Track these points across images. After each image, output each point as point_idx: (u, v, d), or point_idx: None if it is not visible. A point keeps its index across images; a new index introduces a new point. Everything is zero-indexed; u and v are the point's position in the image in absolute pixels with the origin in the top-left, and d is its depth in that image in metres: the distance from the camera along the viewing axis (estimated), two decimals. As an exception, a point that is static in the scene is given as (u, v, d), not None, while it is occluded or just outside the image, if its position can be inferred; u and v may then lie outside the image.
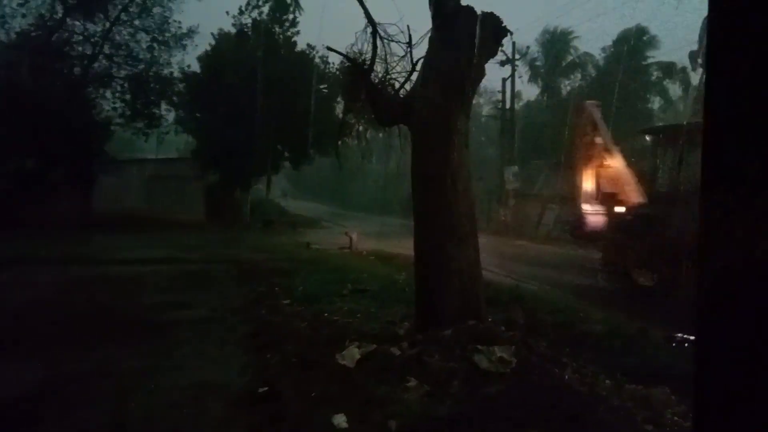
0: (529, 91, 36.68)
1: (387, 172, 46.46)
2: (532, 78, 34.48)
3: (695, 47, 27.69)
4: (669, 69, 29.76)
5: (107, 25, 22.96)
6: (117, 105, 23.94)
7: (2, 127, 19.66)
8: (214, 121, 24.45)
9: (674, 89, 31.46)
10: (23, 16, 22.01)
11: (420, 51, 6.46)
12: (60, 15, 22.25)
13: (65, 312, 8.08)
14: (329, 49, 6.48)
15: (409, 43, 6.38)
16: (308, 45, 27.16)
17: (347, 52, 6.23)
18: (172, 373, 5.42)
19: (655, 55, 29.55)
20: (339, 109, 24.12)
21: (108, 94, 23.99)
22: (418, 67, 6.48)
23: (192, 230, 21.26)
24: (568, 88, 32.41)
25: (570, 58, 32.58)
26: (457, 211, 6.34)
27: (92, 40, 23.08)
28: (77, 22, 22.80)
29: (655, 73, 30.27)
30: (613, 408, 4.46)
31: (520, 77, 33.52)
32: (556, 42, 32.60)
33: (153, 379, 5.20)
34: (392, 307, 8.29)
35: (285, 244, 18.67)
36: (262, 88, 23.94)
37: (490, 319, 6.83)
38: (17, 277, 10.85)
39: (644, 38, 29.05)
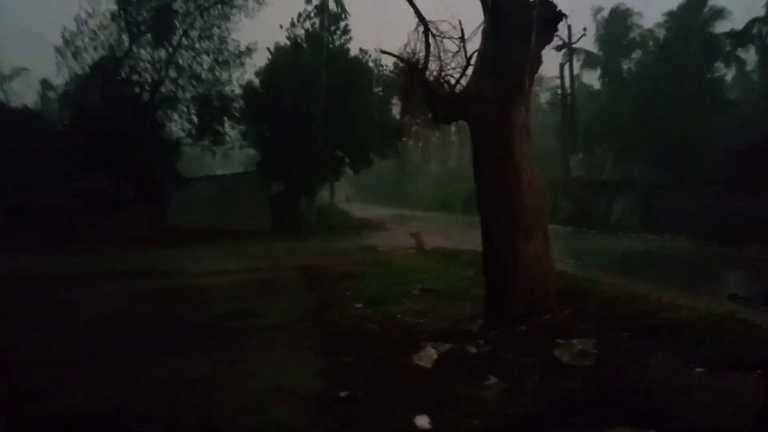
0: (589, 76, 35.26)
1: (447, 170, 46.23)
2: (589, 62, 33.27)
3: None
4: (744, 36, 27.59)
5: (171, 50, 24.08)
6: (184, 125, 25.10)
7: (79, 149, 21.00)
8: (276, 133, 25.12)
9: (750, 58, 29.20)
10: (95, 48, 23.49)
11: (474, 45, 6.39)
12: (127, 45, 23.53)
13: (142, 323, 8.45)
14: (383, 52, 6.53)
15: (462, 39, 6.32)
16: (360, 50, 27.45)
17: (401, 53, 6.24)
18: (248, 378, 5.53)
19: (723, 25, 27.67)
20: (396, 110, 24.21)
21: (175, 115, 25.17)
22: (473, 61, 6.40)
23: (260, 240, 21.85)
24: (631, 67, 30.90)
25: (630, 35, 31.09)
26: (522, 204, 6.22)
27: (157, 65, 24.26)
28: (143, 50, 24.08)
29: (726, 42, 28.21)
30: (698, 401, 4.24)
31: (578, 60, 32.50)
32: (614, 21, 31.25)
33: (230, 386, 5.35)
34: (462, 305, 8.21)
35: (351, 248, 18.87)
36: (319, 96, 24.38)
37: (567, 312, 6.65)
38: (96, 291, 11.37)
39: (705, 8, 27.23)
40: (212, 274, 13.42)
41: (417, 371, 5.33)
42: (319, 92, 24.44)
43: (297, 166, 24.58)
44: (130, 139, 21.30)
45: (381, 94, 26.99)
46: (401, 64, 6.33)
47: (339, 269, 13.02)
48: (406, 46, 6.18)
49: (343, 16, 27.15)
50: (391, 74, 24.24)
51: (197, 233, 22.49)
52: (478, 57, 6.31)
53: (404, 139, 15.02)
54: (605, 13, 31.59)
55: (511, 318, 6.12)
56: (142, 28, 23.47)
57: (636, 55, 30.62)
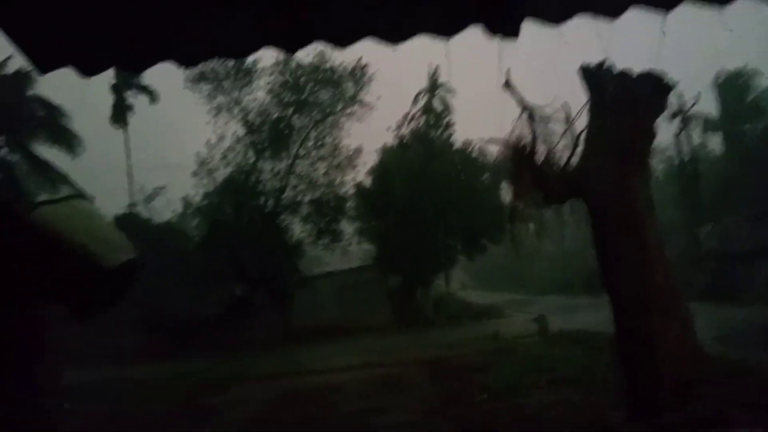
0: (708, 140, 33.22)
1: (563, 250, 44.42)
2: (708, 126, 31.46)
3: None
4: None
5: (290, 161, 26.28)
6: (305, 227, 26.73)
7: (213, 260, 22.94)
8: (390, 227, 25.95)
9: None
10: (225, 167, 26.20)
11: (581, 124, 6.40)
12: (252, 161, 26.03)
13: (279, 425, 8.69)
14: (489, 141, 6.72)
15: (568, 119, 6.36)
16: (464, 142, 28.18)
17: (507, 140, 6.39)
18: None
19: None
20: (505, 194, 24.19)
21: (296, 219, 26.94)
22: (582, 139, 6.38)
23: (380, 333, 22.02)
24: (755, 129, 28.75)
25: (751, 97, 29.24)
26: (654, 282, 5.84)
27: (279, 175, 26.46)
28: (266, 163, 26.47)
29: None
30: None
31: (697, 126, 30.87)
32: (732, 84, 29.68)
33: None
34: (596, 395, 7.62)
35: (472, 337, 18.40)
36: (429, 189, 25.06)
37: (719, 399, 5.95)
38: (236, 396, 11.96)
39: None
40: (339, 371, 13.64)
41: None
42: (428, 185, 25.16)
43: (412, 258, 25.00)
44: (260, 246, 23.04)
45: (488, 180, 27.24)
46: (509, 151, 6.45)
47: (462, 360, 12.71)
48: (511, 132, 6.34)
49: (446, 113, 28.41)
50: (498, 162, 24.51)
51: (321, 331, 23.21)
52: (587, 135, 6.28)
53: (516, 222, 14.84)
54: (721, 76, 30.15)
55: (656, 408, 5.57)
56: (265, 144, 25.93)
57: (759, 117, 28.61)
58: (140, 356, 22.18)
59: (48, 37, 1.61)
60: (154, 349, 20.18)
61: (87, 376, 15.13)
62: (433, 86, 28.76)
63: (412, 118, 28.32)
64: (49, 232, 1.42)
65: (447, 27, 2.24)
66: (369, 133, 28.71)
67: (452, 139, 28.34)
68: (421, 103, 28.72)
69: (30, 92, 24.18)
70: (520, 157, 6.29)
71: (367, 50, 25.52)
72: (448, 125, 28.41)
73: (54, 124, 24.31)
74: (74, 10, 1.60)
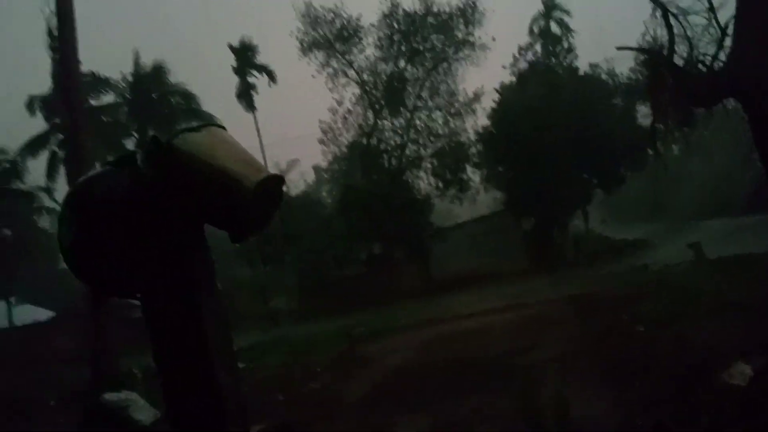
0: None
1: (715, 169, 40.01)
2: None
3: None
4: None
5: (408, 115, 26.28)
6: (430, 180, 26.79)
7: (350, 223, 24.01)
8: (517, 170, 25.11)
9: None
10: (347, 130, 26.94)
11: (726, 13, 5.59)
12: (372, 120, 26.44)
13: (434, 369, 8.95)
14: (619, 48, 6.10)
15: (711, 8, 5.57)
16: (590, 65, 26.20)
17: (639, 45, 5.76)
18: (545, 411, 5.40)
19: None
20: (641, 117, 22.26)
21: (421, 173, 27.08)
22: (729, 30, 5.57)
23: (519, 278, 21.64)
24: None
25: None
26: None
27: (399, 131, 26.64)
28: (385, 121, 26.75)
29: None
30: None
31: None
32: None
33: (528, 419, 5.29)
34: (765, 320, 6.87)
35: (619, 271, 17.48)
36: (556, 123, 23.76)
37: None
38: (388, 344, 12.49)
39: None
40: (482, 315, 13.69)
41: (730, 392, 4.58)
42: (554, 119, 23.85)
43: (544, 198, 24.05)
44: (391, 204, 23.65)
45: (621, 104, 25.14)
46: (643, 57, 5.82)
47: (610, 294, 12.15)
48: (644, 35, 5.68)
49: (566, 36, 26.45)
50: (629, 80, 22.52)
51: (459, 280, 23.36)
52: (736, 24, 5.47)
53: (658, 144, 13.58)
54: None
55: None
56: (381, 101, 26.15)
57: None
58: (297, 317, 24.14)
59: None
60: (316, 307, 22.03)
61: (255, 338, 16.82)
62: (549, 8, 26.89)
63: (528, 49, 26.77)
64: (194, 156, 1.50)
65: None
66: (486, 75, 27.75)
67: (575, 64, 26.44)
68: (537, 29, 27.03)
69: (168, 84, 26.67)
70: (657, 62, 5.65)
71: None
72: (569, 50, 26.48)
73: (192, 111, 26.56)
74: None
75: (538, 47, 26.74)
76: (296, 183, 37.90)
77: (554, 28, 26.81)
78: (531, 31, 27.03)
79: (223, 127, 1.72)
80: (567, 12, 27.21)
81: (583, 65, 26.28)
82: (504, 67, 27.35)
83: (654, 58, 5.61)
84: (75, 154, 12.92)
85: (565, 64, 26.48)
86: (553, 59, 26.41)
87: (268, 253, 25.08)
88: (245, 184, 1.51)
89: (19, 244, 29.56)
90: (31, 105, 25.71)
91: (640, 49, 5.58)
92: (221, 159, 1.53)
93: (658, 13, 5.60)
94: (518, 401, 5.91)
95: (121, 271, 1.64)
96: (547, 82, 24.96)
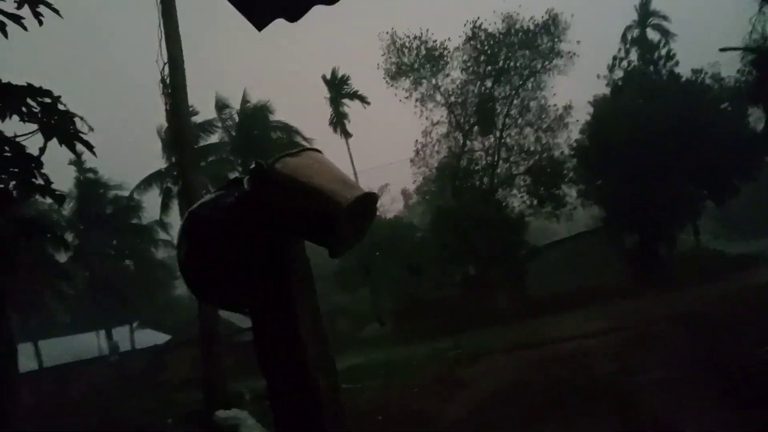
0: None
1: None
2: None
3: None
4: None
5: (497, 133, 26.07)
6: (524, 197, 26.27)
7: (443, 244, 23.97)
8: (617, 184, 23.99)
9: None
10: (437, 152, 27.10)
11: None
12: (461, 140, 26.47)
13: (534, 391, 8.74)
14: (723, 49, 5.75)
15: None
16: (692, 71, 24.69)
17: (745, 44, 5.41)
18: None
19: None
20: (753, 119, 20.62)
21: (514, 191, 26.64)
22: None
23: (620, 296, 20.54)
24: None
25: None
26: None
27: (489, 150, 26.44)
28: (475, 142, 26.71)
29: None
30: None
31: None
32: None
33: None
34: None
35: (732, 290, 16.06)
36: (657, 133, 22.54)
37: None
38: (486, 366, 12.34)
39: None
40: (583, 337, 13.14)
41: None
42: (655, 129, 22.62)
43: (649, 213, 22.75)
44: (484, 224, 23.42)
45: (729, 109, 23.42)
46: (751, 57, 5.46)
47: (723, 314, 11.22)
48: (751, 33, 5.33)
49: (664, 41, 25.16)
50: (737, 83, 20.98)
51: (557, 300, 22.57)
52: None
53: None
54: None
55: None
56: (470, 121, 26.15)
57: None
58: (392, 340, 24.34)
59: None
60: (407, 330, 22.09)
61: (352, 360, 17.16)
62: (644, 17, 25.77)
63: (624, 57, 25.69)
64: (293, 177, 1.67)
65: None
66: (578, 87, 26.95)
67: (676, 71, 25.02)
68: (632, 37, 25.94)
69: (269, 120, 28.30)
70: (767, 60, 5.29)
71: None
72: (669, 57, 25.12)
73: (293, 144, 28.00)
74: None
75: (633, 55, 25.60)
76: (387, 207, 38.55)
77: (651, 34, 25.58)
78: (624, 39, 25.94)
79: (320, 151, 1.89)
80: (664, 17, 25.94)
81: (685, 71, 24.80)
82: (598, 77, 26.47)
83: (763, 56, 5.25)
84: (185, 189, 14.04)
85: (664, 71, 25.13)
86: (651, 67, 25.14)
87: (363, 278, 25.60)
88: (340, 200, 1.66)
89: (139, 273, 32.46)
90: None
91: (747, 49, 5.24)
92: (318, 178, 1.69)
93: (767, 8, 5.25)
94: (625, 426, 5.65)
95: (229, 286, 1.84)
96: (645, 90, 23.76)
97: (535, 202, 25.90)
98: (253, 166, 1.76)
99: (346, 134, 32.48)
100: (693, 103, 22.72)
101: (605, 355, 10.11)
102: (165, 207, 28.81)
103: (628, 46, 25.66)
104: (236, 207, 1.77)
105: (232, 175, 27.46)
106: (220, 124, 27.82)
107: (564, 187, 26.16)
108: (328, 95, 32.44)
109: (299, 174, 1.70)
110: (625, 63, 25.64)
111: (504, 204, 26.37)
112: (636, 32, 26.13)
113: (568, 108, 25.75)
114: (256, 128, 27.66)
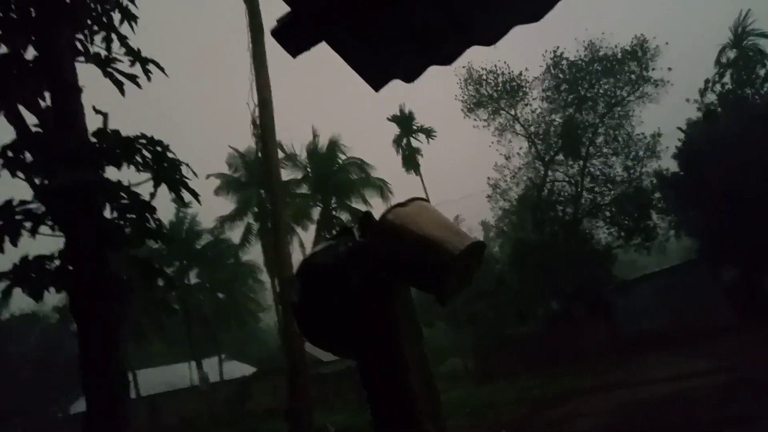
0: None
1: None
2: None
3: None
4: None
5: (581, 163, 25.32)
6: (611, 229, 25.19)
7: (524, 279, 23.32)
8: (713, 213, 22.50)
9: None
10: (517, 184, 26.66)
11: None
12: (542, 171, 25.93)
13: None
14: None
15: None
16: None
17: None
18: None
19: None
20: None
21: (600, 222, 25.62)
22: None
23: (722, 335, 19.03)
24: None
25: None
26: None
27: (573, 180, 25.69)
28: (557, 172, 26.07)
29: None
30: None
31: None
32: None
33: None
34: None
35: None
36: (755, 159, 21.04)
37: None
38: (577, 407, 11.78)
39: None
40: (680, 378, 12.26)
41: None
42: (753, 154, 21.12)
43: (751, 243, 21.11)
44: (568, 258, 22.62)
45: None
46: None
47: None
48: None
49: (763, 61, 23.68)
50: None
51: (649, 337, 21.39)
52: None
53: None
54: None
55: None
56: (551, 151, 25.59)
57: None
58: (474, 377, 23.76)
59: (370, 60, 1.89)
60: (497, 368, 21.60)
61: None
62: (741, 34, 24.45)
63: (717, 80, 24.35)
64: (403, 227, 1.74)
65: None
66: (667, 113, 25.79)
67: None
68: (727, 59, 24.61)
69: (344, 157, 29.24)
70: None
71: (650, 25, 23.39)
72: (768, 77, 23.61)
73: (368, 181, 28.61)
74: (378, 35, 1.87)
75: (727, 78, 24.20)
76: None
77: (748, 53, 24.11)
78: (718, 62, 24.64)
79: (426, 200, 1.96)
80: (765, 35, 24.45)
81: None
82: (687, 101, 25.19)
83: None
84: (276, 224, 14.68)
85: (762, 91, 23.59)
86: (749, 90, 23.68)
87: (443, 313, 25.28)
88: (450, 249, 1.70)
89: (228, 307, 34.21)
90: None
91: None
92: (427, 227, 1.75)
93: None
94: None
95: (339, 331, 1.91)
96: (743, 114, 22.34)
97: (622, 233, 24.78)
98: (363, 216, 1.85)
99: (417, 169, 32.55)
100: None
101: (709, 400, 9.37)
102: (244, 242, 30.32)
103: (722, 69, 24.32)
104: (348, 256, 1.85)
105: (314, 213, 28.50)
106: (292, 162, 28.93)
107: (654, 218, 24.91)
108: (397, 132, 32.36)
109: (410, 223, 1.77)
110: (718, 86, 24.28)
111: (589, 236, 25.40)
112: (732, 53, 24.76)
113: (656, 136, 24.67)
114: (332, 165, 28.55)
